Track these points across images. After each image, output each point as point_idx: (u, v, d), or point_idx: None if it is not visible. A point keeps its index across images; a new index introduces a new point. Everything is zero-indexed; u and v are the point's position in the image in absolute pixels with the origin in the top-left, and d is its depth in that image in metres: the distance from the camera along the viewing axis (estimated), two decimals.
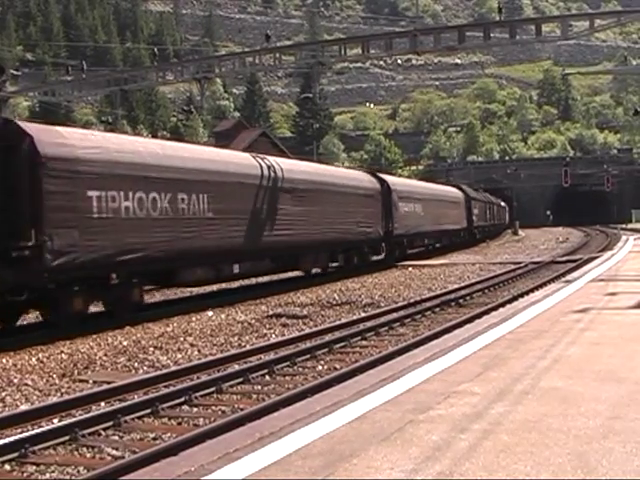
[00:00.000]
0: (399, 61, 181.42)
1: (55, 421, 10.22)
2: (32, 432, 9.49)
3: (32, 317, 21.19)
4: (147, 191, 20.54)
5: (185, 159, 22.86)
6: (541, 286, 25.05)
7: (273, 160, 29.28)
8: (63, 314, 18.63)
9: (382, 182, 39.31)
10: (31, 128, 18.09)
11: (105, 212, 19.06)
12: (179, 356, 15.47)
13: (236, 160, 26.98)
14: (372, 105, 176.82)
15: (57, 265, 17.48)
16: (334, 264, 34.44)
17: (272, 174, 27.93)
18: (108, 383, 12.65)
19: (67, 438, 9.31)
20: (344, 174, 37.80)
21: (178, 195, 21.90)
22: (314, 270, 32.97)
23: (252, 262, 26.97)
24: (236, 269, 25.75)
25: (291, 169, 29.94)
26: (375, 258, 39.29)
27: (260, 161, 27.94)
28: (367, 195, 36.53)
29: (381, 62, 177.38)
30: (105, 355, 15.68)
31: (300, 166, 32.58)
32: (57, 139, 18.41)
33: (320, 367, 13.97)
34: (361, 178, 37.80)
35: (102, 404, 11.24)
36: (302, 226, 29.24)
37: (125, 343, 17.17)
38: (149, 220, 20.63)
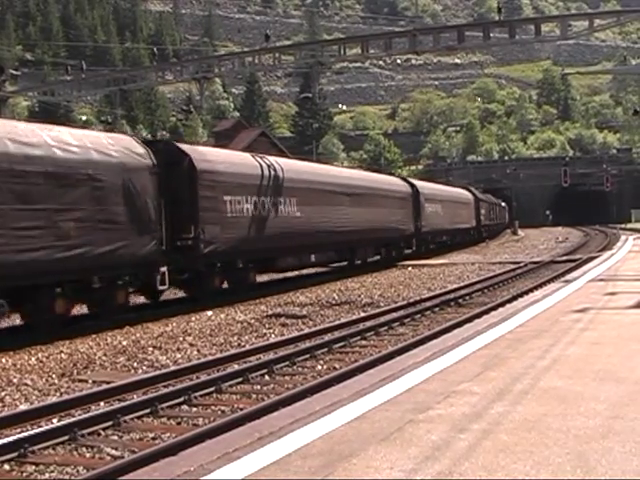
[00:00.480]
0: (398, 61, 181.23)
1: (54, 421, 10.23)
2: (31, 432, 9.50)
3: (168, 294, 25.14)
4: (259, 196, 26.98)
5: (284, 170, 29.43)
6: (540, 286, 25.06)
7: (337, 169, 38.65)
8: (207, 290, 24.58)
9: (412, 186, 45.59)
10: (188, 149, 24.41)
11: (234, 212, 25.39)
12: (178, 356, 15.47)
13: (318, 170, 34.72)
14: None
15: (207, 252, 23.58)
16: (375, 257, 40.24)
17: (337, 181, 34.42)
18: (107, 383, 12.66)
19: (66, 438, 9.32)
20: (385, 180, 43.97)
21: (278, 199, 28.31)
22: (358, 261, 37.97)
23: (323, 253, 33.23)
24: (313, 258, 32.31)
25: (350, 177, 36.37)
26: (407, 251, 44.84)
27: (330, 169, 36.33)
28: (402, 198, 42.25)
29: (380, 62, 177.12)
30: (104, 355, 15.68)
31: (356, 174, 39.63)
32: (204, 157, 24.67)
33: (319, 367, 13.97)
34: (397, 183, 44.82)
35: (101, 404, 11.25)
36: (357, 224, 34.98)
37: (124, 343, 17.18)
38: (260, 219, 26.98)
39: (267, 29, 60.32)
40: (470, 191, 68.99)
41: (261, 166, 28.04)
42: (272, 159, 30.06)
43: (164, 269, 21.46)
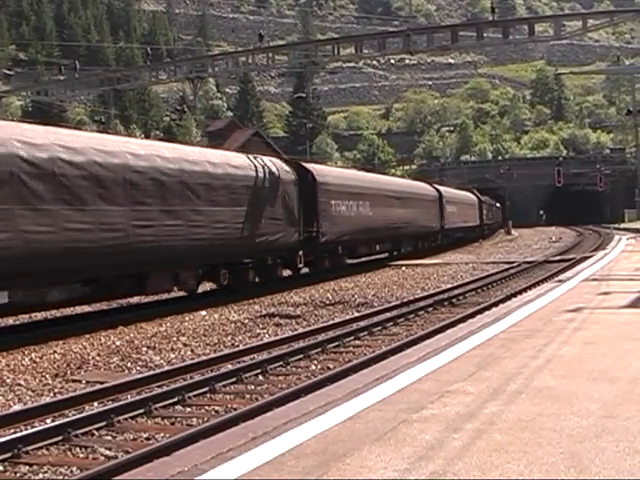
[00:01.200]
0: (392, 61, 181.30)
1: (48, 421, 10.21)
2: (25, 432, 9.48)
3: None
4: (349, 200, 35.53)
5: (362, 180, 39.97)
6: (534, 286, 25.09)
7: (389, 177, 51.08)
8: (321, 269, 33.74)
9: (437, 190, 53.17)
10: (310, 167, 33.53)
11: (338, 213, 34.05)
12: (172, 356, 15.46)
13: (380, 179, 45.63)
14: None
15: (322, 241, 32.28)
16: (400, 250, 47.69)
17: (392, 187, 44.44)
18: (101, 383, 12.64)
19: (60, 438, 9.30)
20: (418, 185, 53.42)
21: (359, 202, 36.93)
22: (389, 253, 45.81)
23: (384, 244, 42.23)
24: (378, 247, 41.27)
25: (399, 183, 46.25)
26: (434, 244, 53.86)
27: (385, 178, 46.89)
28: (430, 200, 49.36)
29: (374, 62, 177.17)
30: (98, 355, 15.66)
31: (400, 181, 50.73)
32: (321, 173, 34.10)
33: (313, 367, 13.97)
34: (426, 187, 53.71)
35: (95, 404, 11.23)
36: (404, 222, 43.34)
37: (118, 343, 17.16)
38: (350, 217, 35.36)
39: (261, 29, 60.48)
40: (474, 194, 77.20)
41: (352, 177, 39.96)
42: (356, 173, 43.20)
43: (301, 252, 30.77)
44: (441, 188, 58.34)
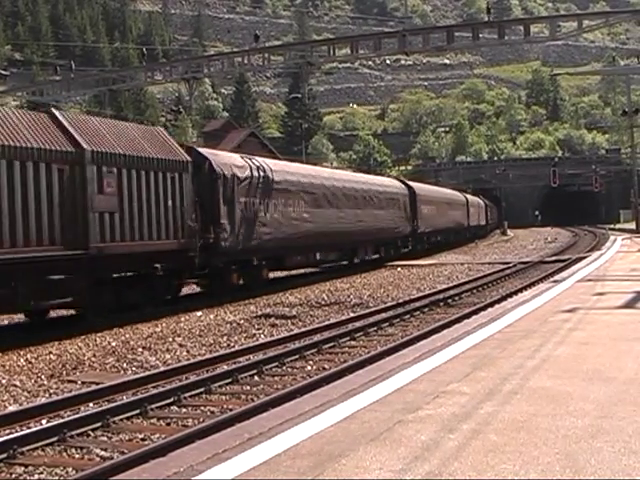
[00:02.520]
0: (388, 61, 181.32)
1: (44, 422, 10.21)
2: (20, 433, 9.48)
3: None
4: (271, 198, 29.63)
5: (295, 174, 33.16)
6: (530, 286, 25.13)
7: (340, 172, 47.91)
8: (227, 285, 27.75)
9: (409, 187, 51.32)
10: (209, 154, 26.75)
11: (248, 212, 28.00)
12: (168, 356, 15.46)
13: (329, 174, 38.73)
14: (355, 105, 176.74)
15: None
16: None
17: (338, 183, 37.42)
18: (97, 384, 12.64)
19: (56, 439, 9.30)
20: (381, 182, 50.80)
21: (288, 201, 31.30)
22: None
23: (328, 252, 37.45)
24: (318, 256, 35.49)
25: (351, 179, 42.00)
26: (405, 250, 51.75)
27: (334, 172, 44.26)
28: (397, 199, 47.48)
29: (370, 62, 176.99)
30: (94, 356, 15.65)
31: (356, 176, 46.42)
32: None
33: (309, 367, 13.98)
34: (392, 184, 51.46)
35: (91, 405, 11.23)
36: (357, 225, 38.69)
37: (114, 344, 17.15)
38: (274, 220, 29.56)
39: (256, 29, 60.45)
40: (481, 198, 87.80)
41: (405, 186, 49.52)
42: (288, 165, 35.57)
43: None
44: (415, 185, 52.65)
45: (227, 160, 27.20)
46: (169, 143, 23.25)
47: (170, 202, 22.08)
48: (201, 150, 26.42)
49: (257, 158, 30.13)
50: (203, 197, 24.31)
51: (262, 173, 28.80)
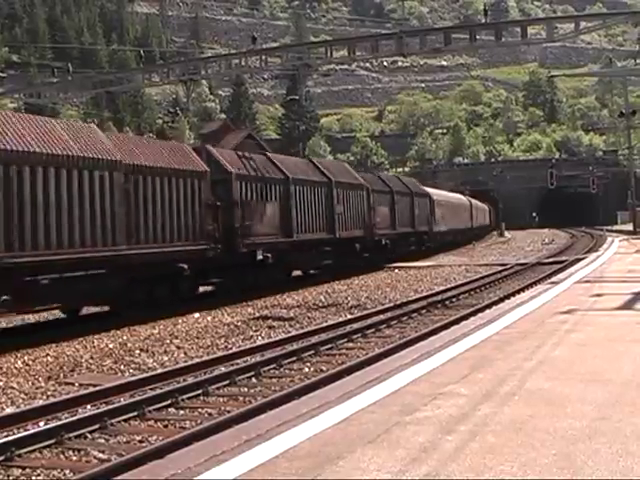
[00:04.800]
0: (385, 63, 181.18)
1: (41, 424, 10.21)
2: (18, 435, 9.48)
3: None
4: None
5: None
6: (527, 287, 25.13)
7: (434, 190, 60.49)
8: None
9: (469, 200, 65.97)
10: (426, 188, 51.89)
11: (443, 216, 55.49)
12: (165, 358, 15.46)
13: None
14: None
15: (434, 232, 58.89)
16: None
17: (430, 197, 56.05)
18: (94, 386, 12.64)
19: (53, 441, 9.30)
20: (464, 198, 71.86)
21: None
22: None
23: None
24: None
25: (444, 194, 62.00)
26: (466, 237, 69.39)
27: (426, 190, 57.28)
28: (466, 207, 64.05)
29: (367, 64, 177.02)
30: (91, 358, 15.65)
31: (448, 194, 67.16)
32: (436, 193, 58.80)
33: (306, 369, 13.98)
34: (463, 198, 70.11)
35: (88, 407, 11.23)
36: (456, 222, 60.89)
37: (111, 345, 17.15)
38: None
39: (254, 31, 60.34)
40: (485, 203, 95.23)
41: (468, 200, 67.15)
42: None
43: None
44: (431, 190, 56.89)
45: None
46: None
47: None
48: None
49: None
50: None
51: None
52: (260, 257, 27.67)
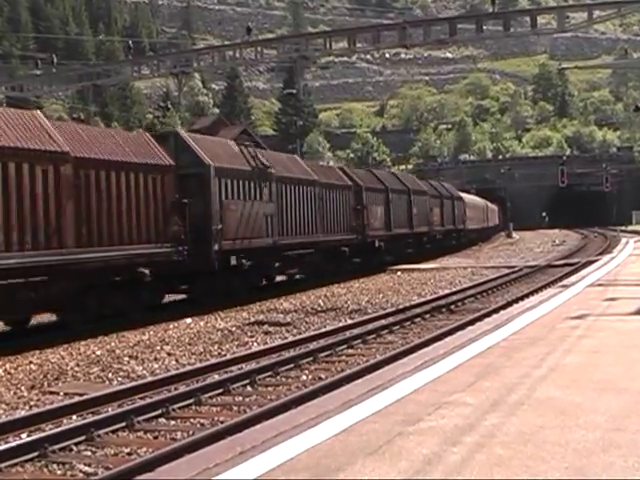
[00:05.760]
0: (387, 55, 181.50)
1: (23, 436, 10.18)
2: None
3: None
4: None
5: None
6: (536, 291, 25.14)
7: (464, 195, 71.01)
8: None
9: (485, 202, 71.44)
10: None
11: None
12: (155, 366, 15.45)
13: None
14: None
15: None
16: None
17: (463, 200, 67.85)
18: (80, 395, 12.62)
19: (36, 454, 9.27)
20: (481, 200, 79.86)
21: None
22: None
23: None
24: None
25: (471, 197, 71.41)
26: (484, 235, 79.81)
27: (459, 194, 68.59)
28: (493, 209, 68.38)
29: (368, 56, 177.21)
30: (77, 365, 15.63)
31: (473, 197, 78.07)
32: (462, 196, 72.31)
33: (304, 377, 13.98)
34: (481, 200, 77.81)
35: (74, 417, 11.20)
36: (477, 221, 68.95)
37: (98, 352, 17.14)
38: None
39: (249, 21, 60.30)
40: (495, 203, 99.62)
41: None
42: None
43: None
44: (463, 194, 72.47)
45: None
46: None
47: None
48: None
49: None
50: None
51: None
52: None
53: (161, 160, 23.09)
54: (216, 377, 13.67)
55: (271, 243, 29.08)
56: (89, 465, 9.03)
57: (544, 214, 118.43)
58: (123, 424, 10.58)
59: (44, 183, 18.49)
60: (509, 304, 21.69)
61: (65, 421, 11.00)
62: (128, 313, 21.50)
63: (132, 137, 24.18)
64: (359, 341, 17.47)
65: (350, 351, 16.52)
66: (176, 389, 12.77)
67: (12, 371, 15.19)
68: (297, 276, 34.85)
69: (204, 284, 25.41)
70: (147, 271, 21.56)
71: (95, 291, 20.36)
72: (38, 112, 20.64)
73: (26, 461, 9.14)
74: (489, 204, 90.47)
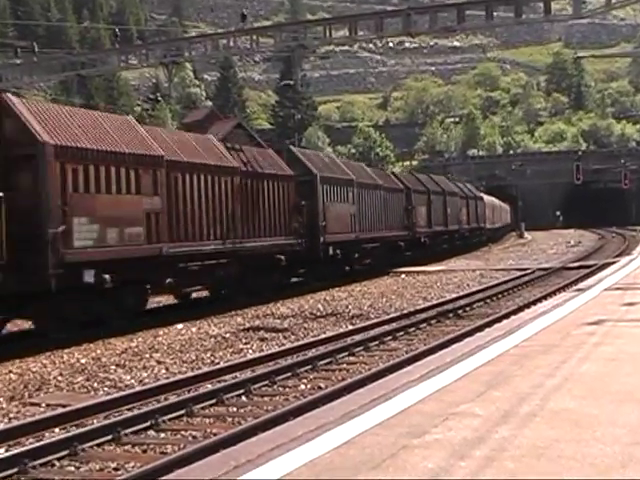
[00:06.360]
0: (390, 44, 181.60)
1: (1, 451, 10.17)
2: None
3: None
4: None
5: None
6: (550, 295, 25.18)
7: (484, 196, 77.54)
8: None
9: (500, 202, 74.61)
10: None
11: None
12: (144, 375, 15.45)
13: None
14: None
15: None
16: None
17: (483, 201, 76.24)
18: (63, 406, 12.61)
19: (16, 470, 9.24)
20: (497, 200, 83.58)
21: None
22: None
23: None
24: None
25: (490, 198, 78.27)
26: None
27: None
28: (506, 209, 71.01)
29: (370, 45, 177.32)
30: (60, 375, 15.62)
31: (492, 198, 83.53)
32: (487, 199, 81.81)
33: (303, 386, 13.99)
34: (497, 200, 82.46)
35: (56, 430, 11.19)
36: (493, 220, 77.29)
37: (83, 361, 17.14)
38: None
39: (243, 8, 60.27)
40: (507, 202, 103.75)
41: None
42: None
43: None
44: (483, 195, 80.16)
45: None
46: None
47: None
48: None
49: None
50: None
51: None
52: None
53: (286, 171, 32.05)
54: (209, 387, 13.68)
55: (354, 237, 37.54)
56: None
57: (558, 213, 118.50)
58: (109, 437, 10.57)
59: (225, 190, 26.77)
60: (520, 309, 21.72)
61: (47, 434, 10.99)
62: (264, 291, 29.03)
63: (267, 153, 33.33)
64: (361, 348, 17.49)
65: (351, 359, 16.54)
66: (166, 399, 12.77)
67: None
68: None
69: (312, 270, 34.21)
70: (282, 257, 30.20)
71: (252, 272, 28.22)
72: (211, 136, 30.73)
73: (4, 478, 9.12)
74: (502, 203, 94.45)
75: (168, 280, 24.23)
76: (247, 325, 22.24)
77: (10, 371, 16.10)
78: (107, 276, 20.27)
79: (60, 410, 12.26)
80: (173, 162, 24.07)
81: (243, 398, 13.12)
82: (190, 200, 24.90)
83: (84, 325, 20.65)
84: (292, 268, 32.37)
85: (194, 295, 28.22)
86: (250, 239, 28.20)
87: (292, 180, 31.74)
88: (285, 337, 20.04)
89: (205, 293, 29.15)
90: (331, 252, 34.05)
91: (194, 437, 10.82)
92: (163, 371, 15.83)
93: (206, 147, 27.12)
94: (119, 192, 21.58)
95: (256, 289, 28.46)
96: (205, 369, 15.53)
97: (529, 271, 37.44)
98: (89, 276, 19.92)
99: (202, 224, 25.57)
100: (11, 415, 12.56)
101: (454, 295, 28.19)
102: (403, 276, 38.23)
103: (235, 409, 12.47)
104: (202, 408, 12.28)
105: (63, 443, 10.06)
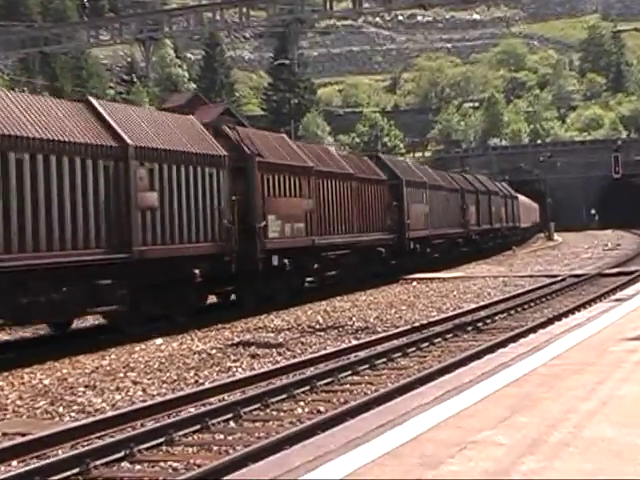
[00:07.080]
0: (400, 17, 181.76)
1: None
2: None
3: None
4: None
5: None
6: (584, 306, 25.18)
7: (519, 195, 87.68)
8: None
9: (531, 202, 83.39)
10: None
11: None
12: (118, 397, 15.45)
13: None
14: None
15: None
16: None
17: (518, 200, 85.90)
18: (23, 435, 12.59)
19: None
20: (528, 199, 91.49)
21: None
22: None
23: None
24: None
25: (523, 198, 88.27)
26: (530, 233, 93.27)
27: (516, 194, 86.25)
28: (535, 208, 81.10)
29: (377, 19, 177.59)
30: (20, 398, 15.61)
31: (524, 197, 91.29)
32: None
33: (300, 410, 13.99)
34: (528, 200, 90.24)
35: (14, 464, 11.15)
36: (524, 219, 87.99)
37: (47, 382, 17.13)
38: None
39: None
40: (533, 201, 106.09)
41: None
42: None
43: None
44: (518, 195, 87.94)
45: None
46: None
47: None
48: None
49: None
50: None
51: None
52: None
53: (381, 176, 41.94)
54: (192, 411, 13.67)
55: (427, 234, 47.10)
56: None
57: (593, 212, 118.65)
58: (76, 470, 10.54)
59: (346, 193, 36.66)
60: (549, 322, 21.72)
61: (3, 469, 10.96)
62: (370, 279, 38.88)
63: (360, 159, 43.77)
64: (366, 366, 17.50)
65: (355, 378, 16.56)
66: (143, 426, 12.76)
67: None
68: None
69: (400, 262, 43.47)
70: (383, 250, 40.01)
71: (363, 261, 38.15)
72: (334, 149, 44.94)
73: None
74: (531, 202, 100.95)
75: (315, 265, 34.35)
76: (236, 340, 22.25)
77: None
78: (286, 260, 30.09)
79: (19, 439, 12.24)
80: (318, 171, 34.43)
81: (231, 424, 13.11)
82: (330, 202, 35.24)
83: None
84: (387, 259, 41.50)
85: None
86: (362, 234, 38.01)
87: (386, 184, 41.98)
88: (280, 353, 20.06)
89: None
90: (412, 246, 44.22)
91: (174, 469, 10.80)
92: (139, 393, 15.83)
93: (332, 158, 38.30)
94: (290, 195, 31.68)
95: (363, 277, 38.31)
96: (188, 390, 15.53)
97: (559, 278, 37.49)
98: (275, 260, 29.63)
99: (336, 221, 35.79)
100: None
101: (473, 305, 28.23)
102: (414, 284, 38.30)
103: (222, 436, 12.45)
104: (184, 435, 12.27)
105: (23, 477, 10.02)
